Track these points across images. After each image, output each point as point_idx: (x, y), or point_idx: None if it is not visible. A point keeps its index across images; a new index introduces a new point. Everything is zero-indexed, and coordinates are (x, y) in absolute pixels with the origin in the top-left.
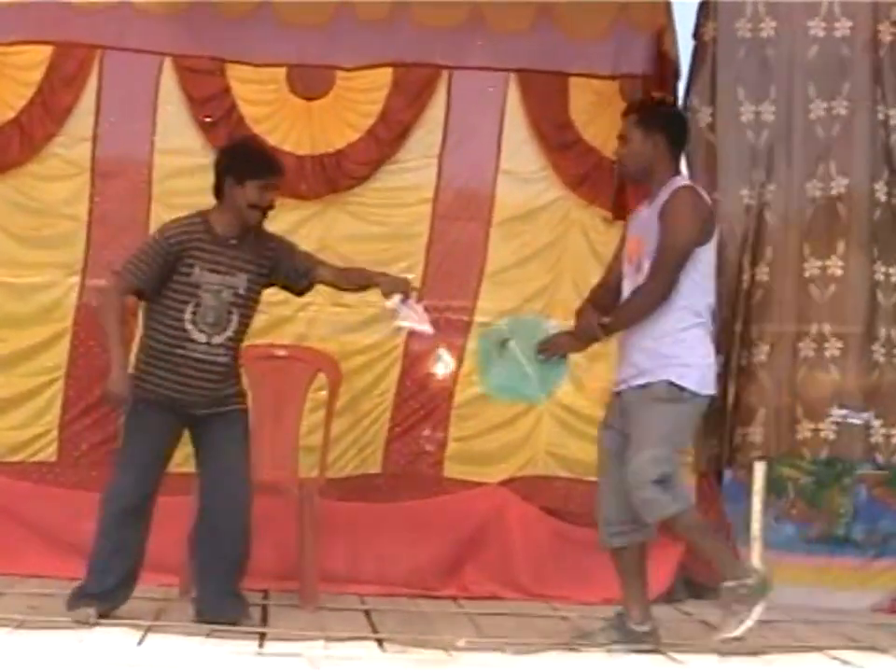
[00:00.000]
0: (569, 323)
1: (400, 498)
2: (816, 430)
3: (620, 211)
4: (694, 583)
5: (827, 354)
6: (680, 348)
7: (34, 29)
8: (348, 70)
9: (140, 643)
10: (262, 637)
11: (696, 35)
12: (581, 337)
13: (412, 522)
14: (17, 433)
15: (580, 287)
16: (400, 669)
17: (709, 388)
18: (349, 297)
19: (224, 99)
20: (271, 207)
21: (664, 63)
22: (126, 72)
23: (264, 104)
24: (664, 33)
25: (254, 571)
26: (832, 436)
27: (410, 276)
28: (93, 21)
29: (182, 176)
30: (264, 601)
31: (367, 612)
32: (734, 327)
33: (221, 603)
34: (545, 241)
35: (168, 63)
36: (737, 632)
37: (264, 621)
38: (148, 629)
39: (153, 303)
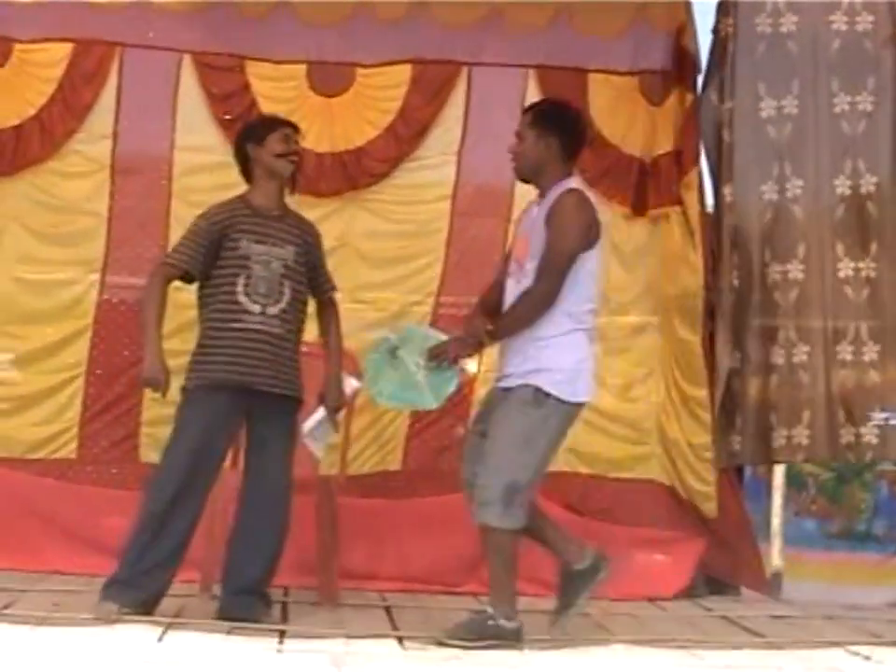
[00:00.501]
0: None
1: (420, 495)
2: (858, 435)
3: (640, 207)
4: (715, 579)
5: (865, 358)
6: (554, 352)
7: (54, 26)
8: (367, 67)
9: (160, 640)
10: (282, 634)
11: (715, 30)
12: (470, 343)
13: (431, 518)
14: (38, 430)
15: (600, 282)
16: (420, 666)
17: (580, 396)
18: (369, 294)
19: (244, 96)
20: (297, 154)
21: (683, 59)
22: (146, 69)
23: (284, 101)
24: (683, 28)
25: None
26: (874, 440)
27: (356, 385)
28: (113, 19)
29: (202, 173)
30: (284, 598)
31: (387, 609)
32: (750, 322)
33: (245, 602)
34: None
35: (188, 59)
36: (452, 642)
37: (284, 618)
38: (169, 626)
39: (205, 288)
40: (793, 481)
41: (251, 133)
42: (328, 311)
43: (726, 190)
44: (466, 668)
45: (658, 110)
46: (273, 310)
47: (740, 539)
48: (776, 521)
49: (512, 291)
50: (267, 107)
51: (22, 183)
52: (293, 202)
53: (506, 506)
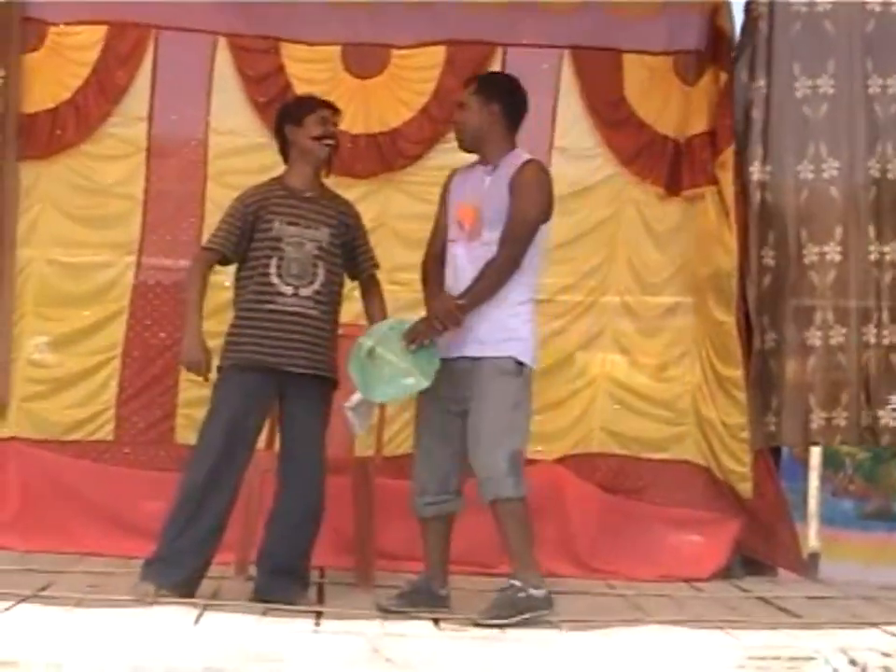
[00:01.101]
0: (614, 299)
1: None
2: (876, 418)
3: (674, 187)
4: (751, 560)
5: (886, 341)
6: (518, 321)
7: (88, 9)
8: (402, 48)
9: (196, 622)
10: (319, 615)
11: (747, 9)
12: (441, 318)
13: (468, 499)
14: (75, 412)
15: (634, 263)
16: (457, 647)
17: (535, 363)
18: (405, 275)
19: (279, 78)
20: (335, 137)
21: (718, 39)
22: (181, 52)
23: (319, 82)
24: (718, 8)
25: None
26: (892, 423)
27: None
28: (148, 1)
29: (237, 156)
30: (320, 579)
31: None
32: (786, 303)
33: (280, 583)
34: (599, 217)
35: (222, 42)
36: (490, 621)
37: (320, 599)
38: (205, 608)
39: (240, 271)
40: (830, 461)
41: (289, 114)
42: (371, 290)
43: (754, 169)
44: (503, 648)
45: (692, 90)
46: (306, 291)
47: (777, 519)
48: (812, 501)
49: (465, 257)
50: (302, 89)
51: (58, 166)
52: (330, 184)
53: (516, 475)
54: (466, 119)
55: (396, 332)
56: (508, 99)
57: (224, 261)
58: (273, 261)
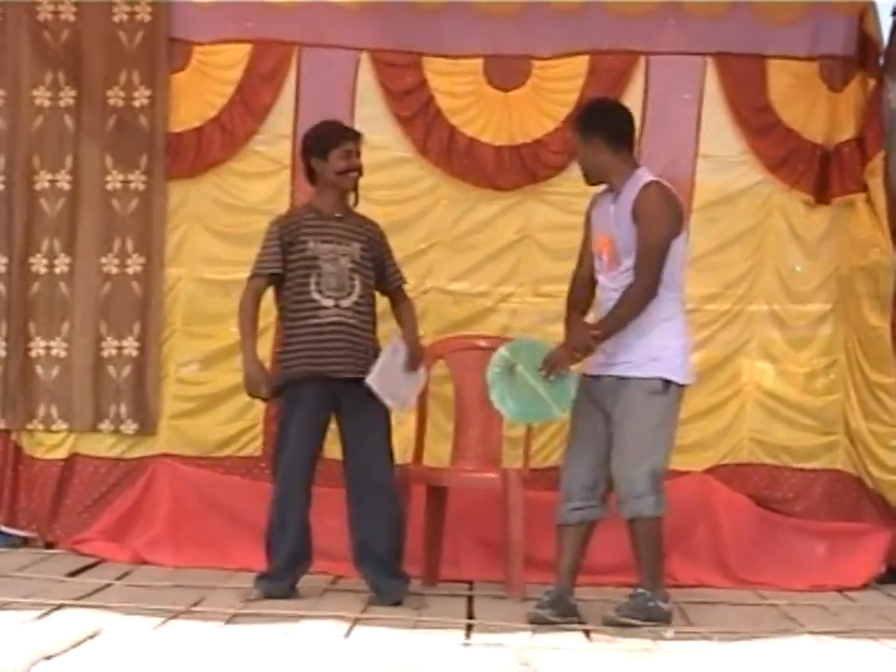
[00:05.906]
0: (762, 308)
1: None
2: None
3: (822, 194)
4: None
5: None
6: (666, 339)
7: (232, 28)
8: (544, 59)
9: (347, 635)
10: (469, 628)
11: (895, 12)
12: (578, 349)
13: (614, 510)
14: (224, 428)
15: (781, 271)
16: (607, 660)
17: (689, 378)
18: (550, 286)
19: (421, 92)
20: (359, 169)
21: (866, 44)
22: (324, 68)
23: (461, 96)
24: (866, 13)
25: (459, 562)
26: None
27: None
28: (291, 19)
29: (381, 170)
30: (470, 592)
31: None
32: None
33: (381, 585)
34: (746, 225)
35: (365, 57)
36: (622, 620)
37: (470, 611)
38: (355, 622)
39: (282, 292)
40: None
41: (315, 145)
42: (401, 303)
43: None
44: (654, 660)
45: (839, 96)
46: (345, 302)
47: None
48: None
49: (610, 287)
50: (444, 103)
51: (205, 184)
52: (474, 197)
53: (655, 493)
54: (581, 159)
55: (536, 352)
56: (607, 126)
57: (276, 281)
58: (312, 279)
